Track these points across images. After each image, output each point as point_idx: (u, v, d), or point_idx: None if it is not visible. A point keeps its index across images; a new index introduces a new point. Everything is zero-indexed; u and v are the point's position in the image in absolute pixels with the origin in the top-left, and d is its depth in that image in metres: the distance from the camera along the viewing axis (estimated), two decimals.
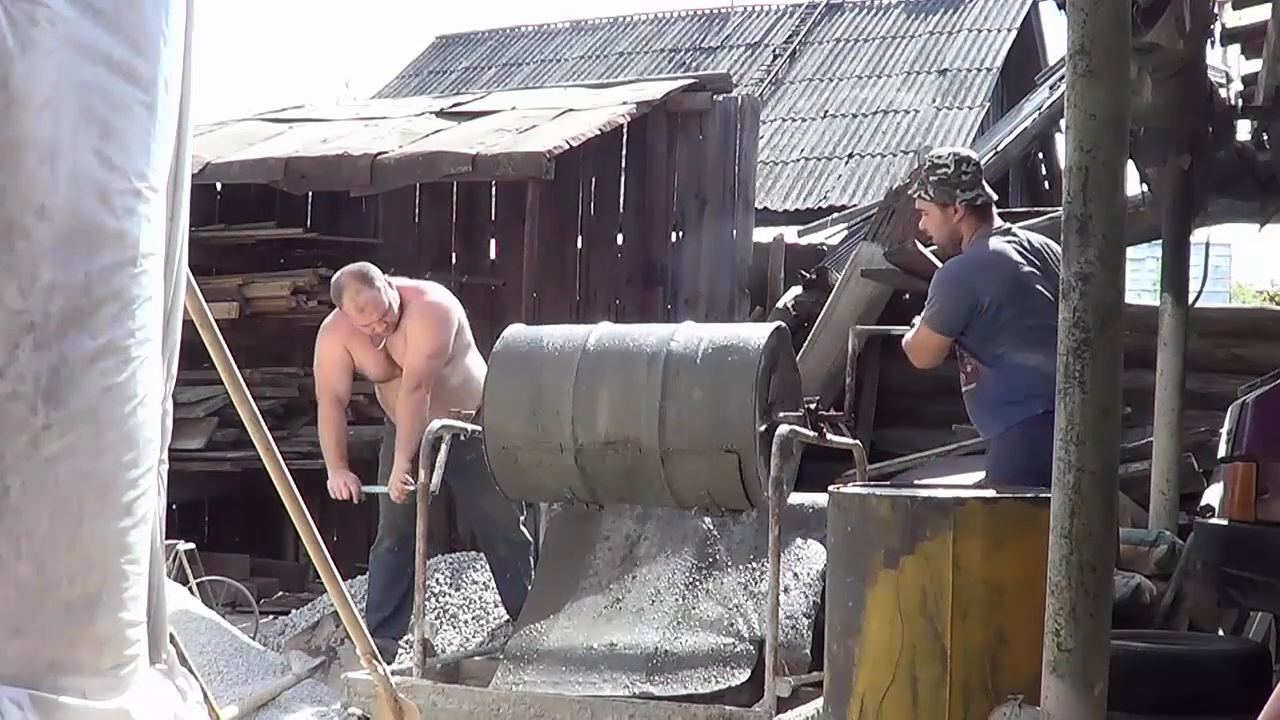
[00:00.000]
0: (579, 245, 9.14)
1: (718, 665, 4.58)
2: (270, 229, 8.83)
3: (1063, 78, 3.81)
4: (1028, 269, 4.83)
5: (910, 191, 5.49)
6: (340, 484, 5.65)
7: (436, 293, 5.71)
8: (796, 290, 8.54)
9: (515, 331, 5.11)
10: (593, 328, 5.04)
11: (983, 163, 10.12)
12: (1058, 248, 4.89)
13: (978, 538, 3.36)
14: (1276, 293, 19.22)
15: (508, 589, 5.75)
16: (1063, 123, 3.04)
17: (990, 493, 3.67)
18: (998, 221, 5.01)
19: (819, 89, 14.82)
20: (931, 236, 5.15)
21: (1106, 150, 2.89)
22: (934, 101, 13.93)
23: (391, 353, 5.61)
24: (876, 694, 3.41)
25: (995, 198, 5.07)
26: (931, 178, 4.93)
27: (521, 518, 5.81)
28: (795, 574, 4.80)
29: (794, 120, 14.24)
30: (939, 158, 5.01)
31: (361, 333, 5.56)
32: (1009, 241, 4.91)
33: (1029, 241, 4.95)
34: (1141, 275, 15.18)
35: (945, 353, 4.96)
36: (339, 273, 5.59)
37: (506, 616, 6.03)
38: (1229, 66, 6.87)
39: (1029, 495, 3.56)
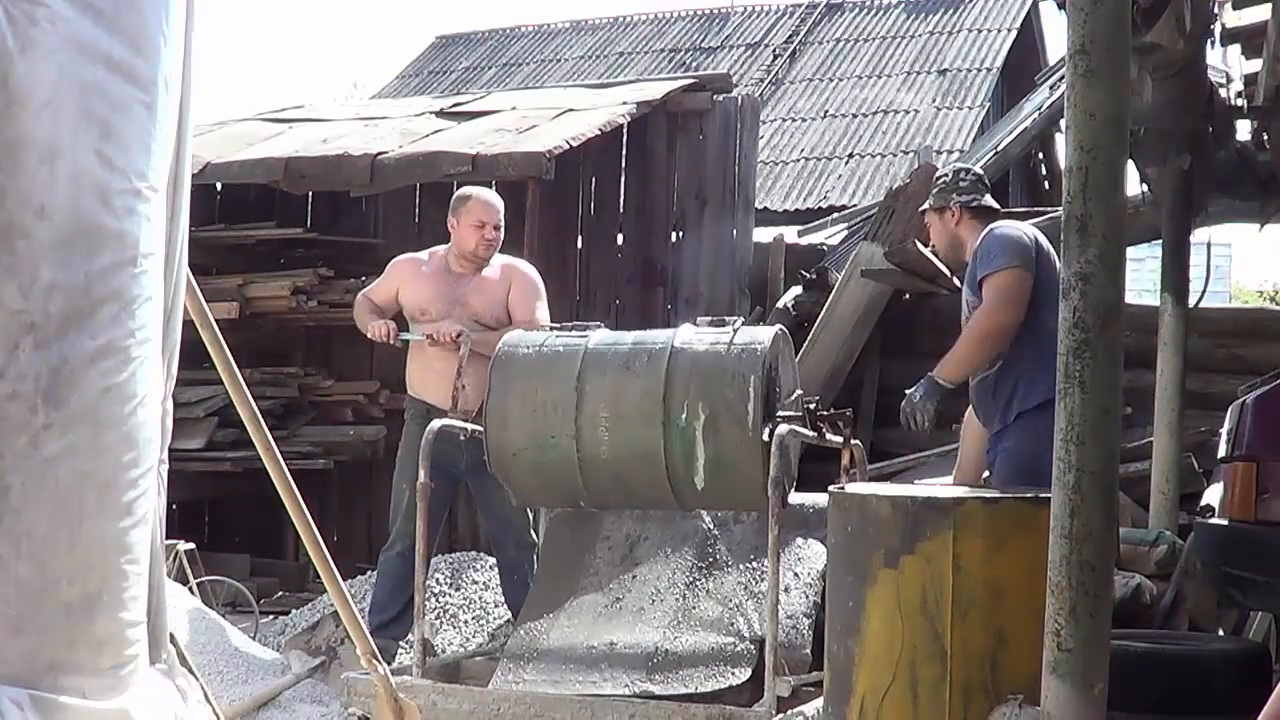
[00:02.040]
0: (579, 245, 9.14)
1: (718, 665, 4.58)
2: (270, 229, 8.82)
3: (1063, 78, 3.81)
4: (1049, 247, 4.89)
5: (919, 210, 5.58)
6: (380, 324, 5.74)
7: (535, 271, 6.03)
8: (796, 290, 8.54)
9: (515, 336, 5.10)
10: (592, 332, 5.03)
11: (983, 162, 10.25)
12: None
13: (978, 538, 3.36)
14: (1276, 293, 19.23)
15: (514, 590, 5.72)
16: (1063, 123, 3.04)
17: (990, 493, 3.67)
18: None
19: (819, 89, 14.82)
20: (937, 248, 5.19)
21: (1106, 150, 2.89)
22: (934, 101, 13.93)
23: (471, 292, 5.74)
24: (876, 694, 3.41)
25: (996, 208, 5.10)
26: (933, 189, 5.11)
27: (531, 519, 5.80)
28: (795, 574, 4.80)
29: (794, 120, 14.24)
30: (940, 170, 5.28)
31: (432, 266, 5.80)
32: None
33: None
34: (1141, 275, 15.19)
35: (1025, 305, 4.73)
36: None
37: (507, 616, 6.02)
38: (1229, 66, 6.87)
39: (1029, 495, 3.56)
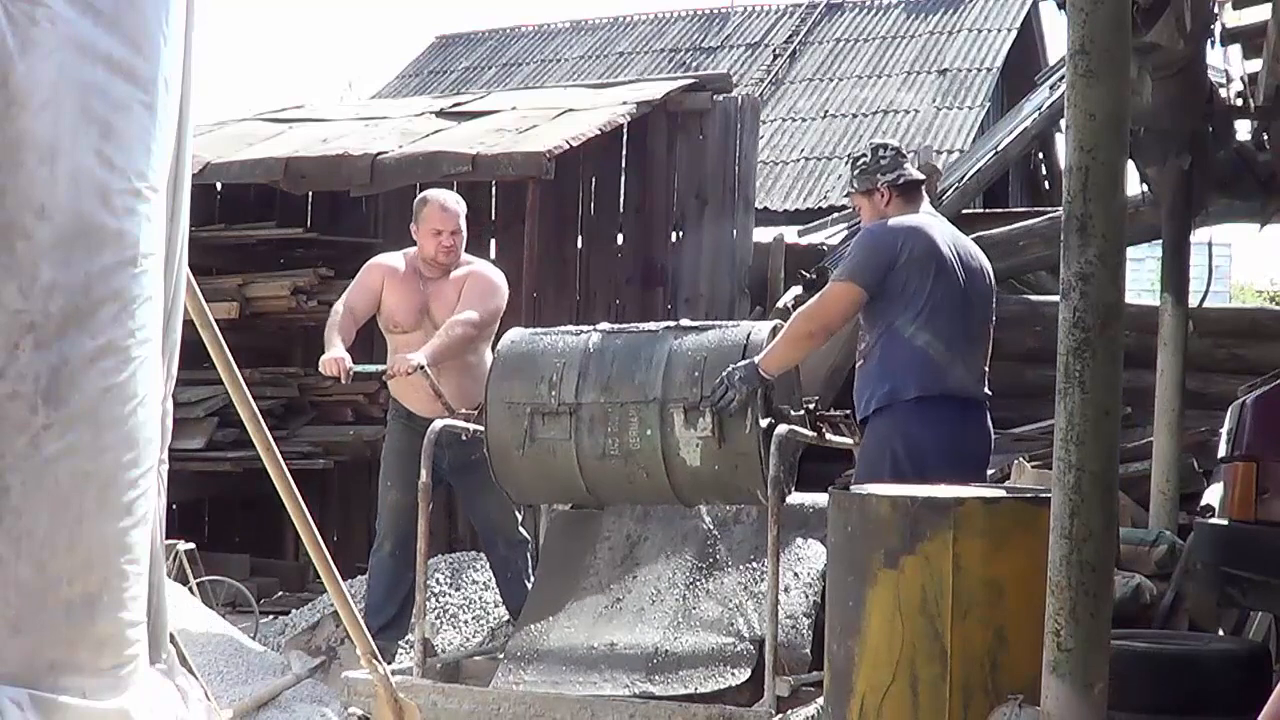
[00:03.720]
0: (579, 245, 9.14)
1: (718, 665, 4.58)
2: (270, 229, 8.83)
3: (1063, 78, 3.81)
4: (945, 248, 4.81)
5: (844, 193, 5.54)
6: (331, 359, 5.47)
7: (497, 271, 5.94)
8: (796, 290, 8.53)
9: (516, 334, 5.11)
10: (592, 329, 5.03)
11: (983, 162, 10.23)
12: (973, 246, 4.98)
13: (978, 538, 3.35)
14: (1276, 293, 19.24)
15: (509, 588, 5.74)
16: (1063, 123, 3.03)
17: (990, 492, 3.67)
18: (925, 204, 5.02)
19: (819, 89, 14.82)
20: None
21: (1106, 150, 2.89)
22: (934, 101, 13.93)
23: (432, 299, 5.70)
24: (876, 694, 3.41)
25: (921, 178, 5.08)
26: (854, 171, 5.04)
27: (520, 518, 5.80)
28: (795, 574, 4.80)
29: (794, 120, 14.24)
30: (858, 154, 5.11)
31: (405, 271, 5.73)
32: (934, 219, 4.96)
33: (951, 230, 4.99)
34: (1141, 275, 15.19)
35: (856, 312, 4.80)
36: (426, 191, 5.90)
37: (506, 616, 6.02)
38: (1229, 66, 6.87)
39: (1029, 495, 3.56)
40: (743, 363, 4.61)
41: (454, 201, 5.74)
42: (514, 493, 5.08)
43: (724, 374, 4.59)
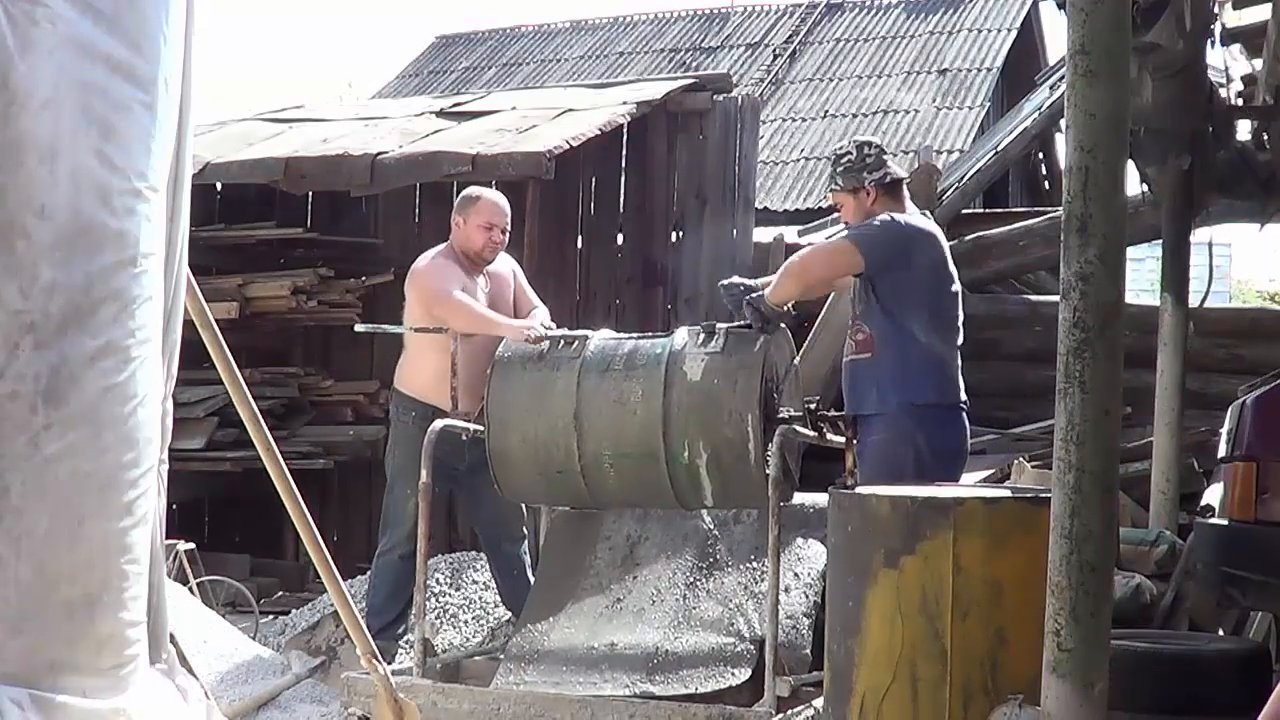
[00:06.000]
0: (579, 245, 9.13)
1: (718, 665, 4.58)
2: (270, 229, 8.82)
3: (1063, 78, 3.81)
4: (949, 255, 4.89)
5: (827, 190, 5.52)
6: (524, 326, 5.30)
7: None
8: None
9: (504, 363, 5.08)
10: (594, 333, 5.04)
11: (982, 162, 10.22)
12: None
13: (978, 538, 3.36)
14: (1276, 292, 19.24)
15: (514, 586, 5.71)
16: (1063, 123, 3.03)
17: (990, 492, 3.67)
18: (909, 203, 5.03)
19: (819, 89, 14.82)
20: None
21: (1106, 150, 2.89)
22: (934, 101, 13.93)
23: (495, 293, 5.77)
24: (876, 694, 3.41)
25: (904, 175, 5.10)
26: (838, 169, 5.03)
27: (524, 517, 5.79)
28: (795, 574, 4.81)
29: (794, 120, 14.24)
30: (841, 149, 5.10)
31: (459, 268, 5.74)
32: (932, 223, 5.01)
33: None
34: (1141, 275, 15.19)
35: (841, 275, 4.91)
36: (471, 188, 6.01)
37: (507, 616, 6.02)
38: (1229, 66, 6.87)
39: (1029, 495, 3.56)
40: (756, 298, 4.75)
41: (504, 200, 5.90)
42: (509, 488, 5.03)
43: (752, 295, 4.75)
